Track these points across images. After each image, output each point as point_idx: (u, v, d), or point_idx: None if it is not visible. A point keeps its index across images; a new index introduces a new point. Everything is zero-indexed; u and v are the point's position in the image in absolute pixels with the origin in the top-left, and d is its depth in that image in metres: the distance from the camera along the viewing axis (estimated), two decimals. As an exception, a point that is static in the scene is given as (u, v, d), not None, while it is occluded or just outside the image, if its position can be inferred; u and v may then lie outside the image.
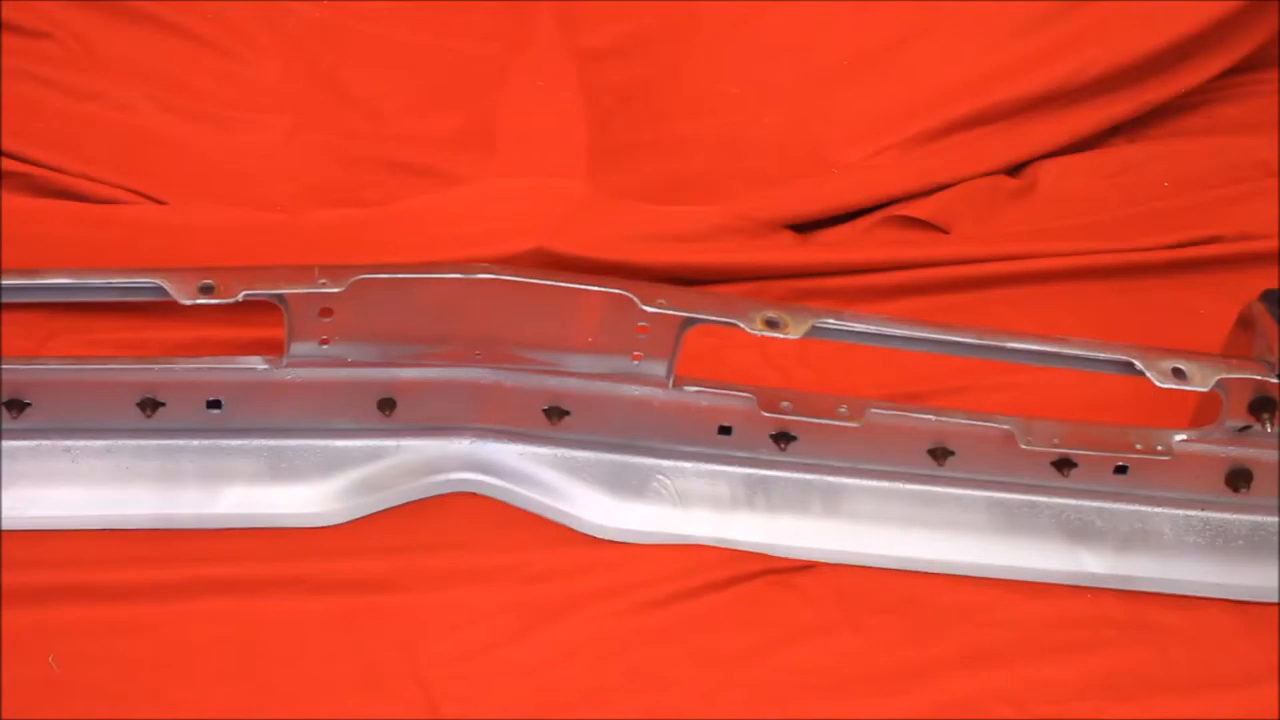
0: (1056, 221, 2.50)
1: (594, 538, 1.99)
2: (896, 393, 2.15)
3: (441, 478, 2.01)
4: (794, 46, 2.72)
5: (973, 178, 2.54)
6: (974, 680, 1.90)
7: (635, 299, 1.84)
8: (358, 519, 1.98)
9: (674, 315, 1.86)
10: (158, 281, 1.80)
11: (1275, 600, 2.03)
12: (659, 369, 1.91)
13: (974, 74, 2.62)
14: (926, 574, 2.00)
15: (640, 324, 1.87)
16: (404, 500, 1.99)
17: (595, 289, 1.86)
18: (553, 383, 1.95)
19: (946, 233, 2.47)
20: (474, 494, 2.02)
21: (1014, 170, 2.60)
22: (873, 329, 1.90)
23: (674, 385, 1.93)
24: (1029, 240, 2.43)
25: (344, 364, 1.91)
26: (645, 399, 1.95)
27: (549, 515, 2.00)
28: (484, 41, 2.70)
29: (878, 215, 2.49)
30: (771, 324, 1.85)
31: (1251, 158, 2.66)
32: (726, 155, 2.61)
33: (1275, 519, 2.05)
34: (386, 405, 1.95)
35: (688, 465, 2.01)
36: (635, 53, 2.72)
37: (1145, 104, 2.67)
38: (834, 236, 2.45)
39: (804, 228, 2.46)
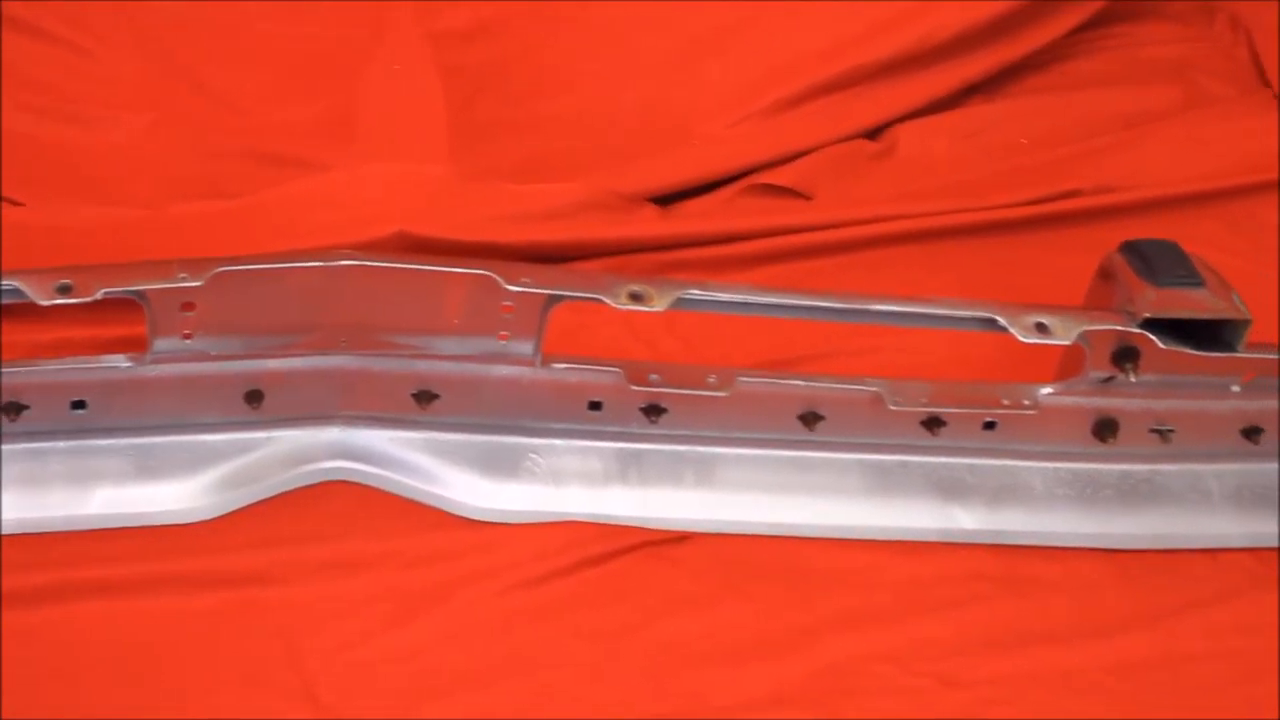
0: (917, 183, 2.52)
1: (469, 520, 1.97)
2: (765, 360, 2.16)
3: (313, 467, 1.99)
4: (651, 21, 2.72)
5: (833, 143, 2.55)
6: (856, 642, 1.91)
7: (499, 279, 1.84)
8: (231, 513, 1.95)
9: (538, 294, 1.85)
10: (15, 283, 1.77)
11: (1146, 547, 2.06)
12: (526, 348, 1.91)
13: (830, 40, 2.64)
14: (803, 539, 2.01)
15: (505, 304, 1.86)
16: (276, 492, 1.97)
17: (458, 270, 1.86)
18: (421, 366, 1.94)
19: (809, 199, 2.48)
20: (347, 482, 2.00)
21: (873, 134, 2.61)
22: (737, 298, 1.91)
23: (541, 363, 1.93)
24: (890, 203, 2.45)
25: (208, 358, 1.89)
26: (514, 378, 1.94)
27: (423, 500, 1.99)
28: (341, 28, 2.69)
29: (740, 184, 2.50)
30: (636, 297, 1.85)
31: (1107, 111, 2.69)
32: (588, 132, 2.61)
33: (1143, 467, 2.08)
34: (254, 397, 1.93)
35: (559, 443, 2.01)
36: (492, 33, 2.72)
37: (1000, 63, 2.70)
38: (697, 208, 2.46)
39: (666, 200, 2.46)
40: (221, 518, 1.95)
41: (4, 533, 1.89)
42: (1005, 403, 2.01)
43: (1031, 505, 2.06)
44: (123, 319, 2.02)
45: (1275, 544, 2.09)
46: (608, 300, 1.84)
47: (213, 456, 1.96)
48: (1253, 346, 1.97)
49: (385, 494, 2.00)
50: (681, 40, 2.70)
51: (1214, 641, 1.97)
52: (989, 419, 2.02)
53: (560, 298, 1.86)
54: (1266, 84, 2.82)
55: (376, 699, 1.79)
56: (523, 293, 1.85)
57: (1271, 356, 1.98)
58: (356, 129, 2.51)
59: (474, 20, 2.72)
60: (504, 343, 1.91)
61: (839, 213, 2.42)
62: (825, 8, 2.67)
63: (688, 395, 1.97)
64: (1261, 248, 2.51)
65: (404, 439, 2.00)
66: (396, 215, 2.25)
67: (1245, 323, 1.94)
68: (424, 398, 1.96)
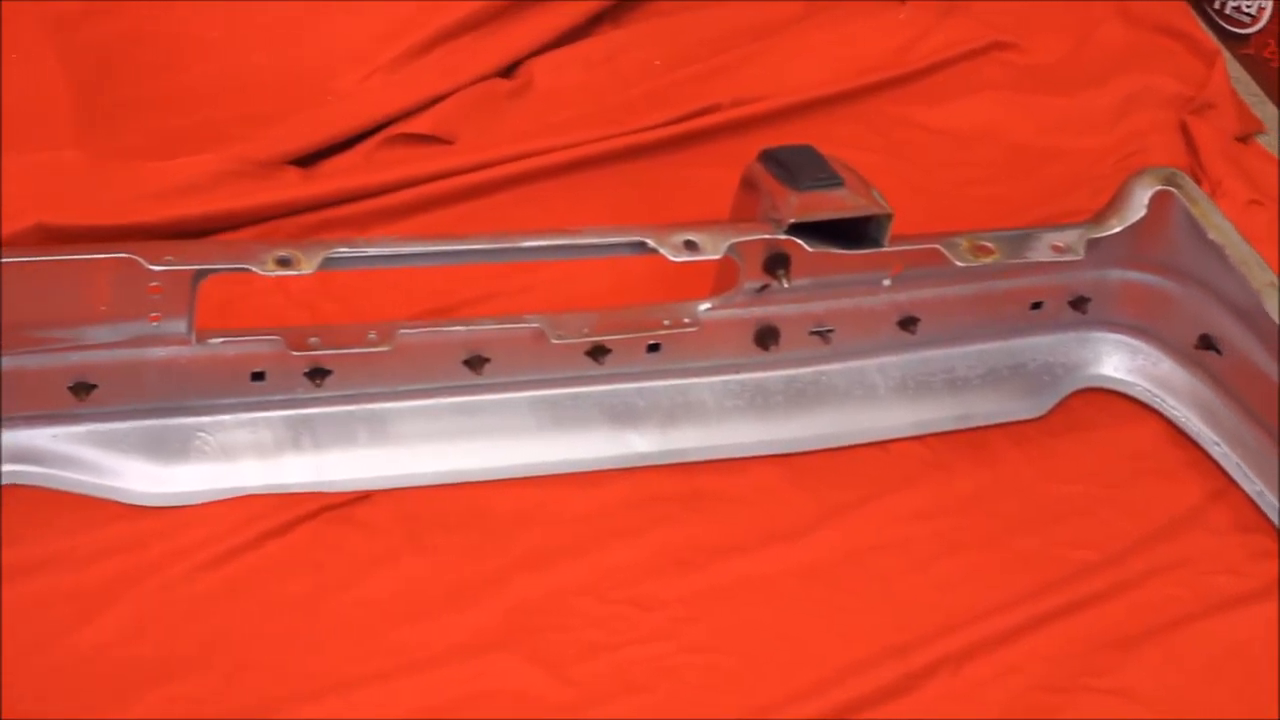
0: (556, 116, 2.52)
1: (145, 507, 1.93)
2: (426, 310, 2.15)
3: (-23, 475, 1.94)
4: (274, -18, 2.68)
5: (468, 85, 2.54)
6: (549, 579, 1.92)
7: (141, 260, 1.79)
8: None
9: (183, 270, 1.82)
10: None
11: (819, 447, 2.10)
12: (179, 326, 1.87)
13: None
14: (483, 483, 2.01)
15: (152, 284, 1.82)
16: (-56, 504, 1.92)
17: (98, 256, 1.80)
18: (75, 358, 1.89)
19: (450, 144, 2.47)
20: (16, 485, 1.94)
21: (507, 72, 2.61)
22: (387, 251, 1.90)
23: (197, 340, 1.89)
24: (532, 139, 2.45)
25: None
26: (171, 359, 1.90)
27: (95, 493, 1.94)
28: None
29: (380, 137, 2.47)
30: (284, 263, 1.83)
31: (734, 25, 2.73)
32: (222, 101, 2.55)
33: (808, 369, 2.13)
34: (-93, 412, 1.87)
35: (227, 418, 1.97)
36: (113, 11, 2.64)
37: (624, -12, 2.72)
38: (338, 165, 2.43)
39: (307, 161, 2.42)
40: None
41: None
42: (666, 323, 2.03)
43: (704, 421, 2.09)
44: None
45: (942, 429, 2.15)
46: (255, 269, 1.82)
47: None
48: (897, 239, 2.01)
49: (56, 492, 1.94)
50: (303, -3, 2.66)
51: (893, 531, 2.03)
52: (652, 341, 2.04)
53: (207, 272, 1.83)
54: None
55: (70, 699, 1.75)
56: (167, 271, 1.81)
57: (916, 247, 2.03)
58: (-25, 123, 2.43)
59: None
60: (156, 324, 1.86)
61: (481, 154, 2.41)
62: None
63: (350, 354, 1.95)
64: (895, 141, 2.57)
65: (67, 434, 1.94)
66: (31, 207, 2.18)
67: (887, 217, 1.99)
68: (81, 390, 1.90)
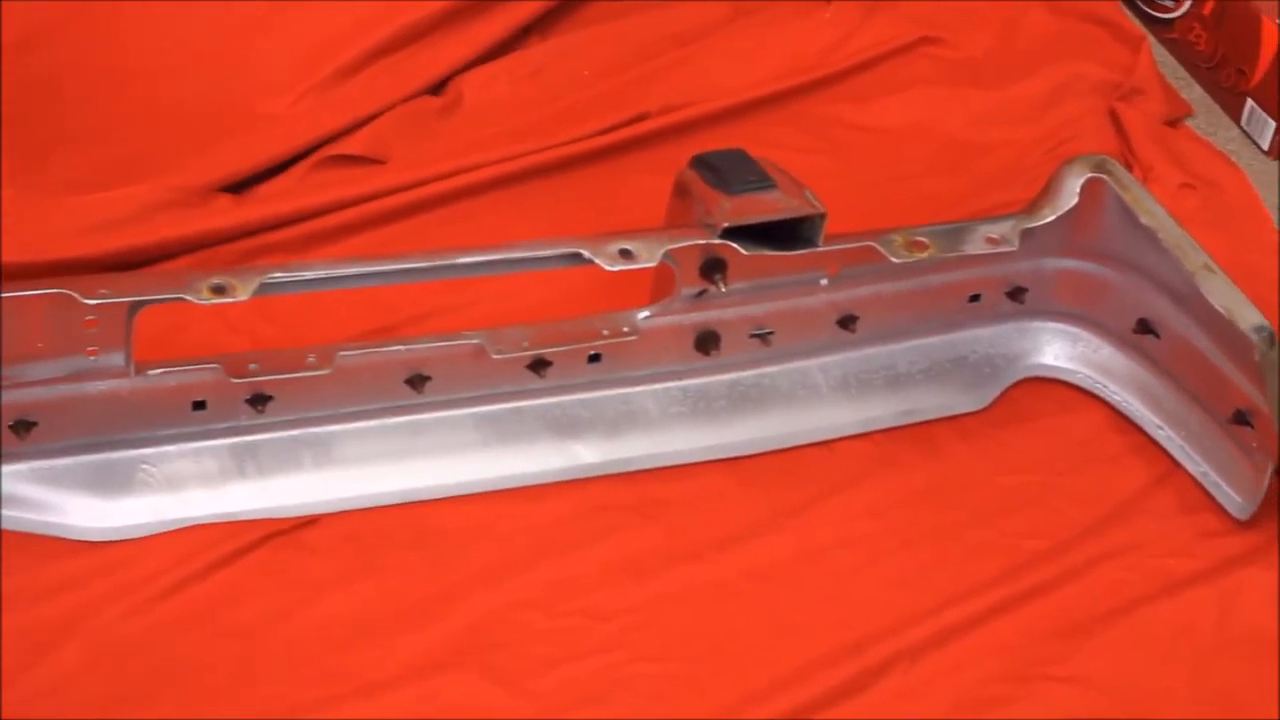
0: (487, 130, 2.50)
1: (92, 543, 1.92)
2: (366, 331, 2.15)
3: (-78, 519, 1.92)
4: (197, 9, 2.66)
5: (398, 103, 2.53)
6: (501, 594, 1.92)
7: (75, 295, 1.79)
8: None
9: (118, 303, 1.81)
10: None
11: (765, 450, 2.11)
12: (117, 359, 1.86)
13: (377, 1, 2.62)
14: (431, 502, 2.01)
15: (88, 319, 1.81)
16: (-115, 551, 1.90)
17: (31, 293, 1.79)
18: (13, 396, 1.88)
19: (383, 163, 2.46)
20: (-39, 528, 1.93)
21: (437, 89, 2.60)
22: (323, 274, 1.90)
23: (136, 372, 1.88)
24: (464, 155, 2.43)
25: None
26: (111, 392, 1.90)
27: (41, 531, 1.92)
28: None
29: (312, 160, 2.46)
30: (219, 290, 1.82)
31: (661, 32, 2.72)
32: (152, 131, 2.54)
33: (750, 372, 2.13)
34: None
35: (170, 449, 1.96)
36: (39, 45, 2.62)
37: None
38: (271, 190, 2.41)
39: (240, 187, 2.41)
40: None
41: None
42: (606, 333, 2.04)
43: (649, 429, 2.09)
44: None
45: (886, 425, 2.16)
46: (190, 298, 1.81)
47: None
48: (831, 238, 2.02)
49: (4, 533, 1.92)
50: (231, 22, 2.63)
51: (843, 529, 2.03)
52: (593, 351, 2.04)
53: (142, 303, 1.82)
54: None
55: (25, 743, 1.74)
56: (102, 304, 1.80)
57: (851, 245, 2.03)
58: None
59: (15, 34, 2.63)
60: (94, 358, 1.86)
61: (414, 172, 2.40)
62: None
63: (291, 379, 1.94)
64: (827, 141, 2.57)
65: (9, 473, 1.92)
66: (-38, 246, 2.17)
67: (821, 217, 2.00)
68: (21, 428, 1.89)
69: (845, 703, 1.85)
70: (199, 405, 1.94)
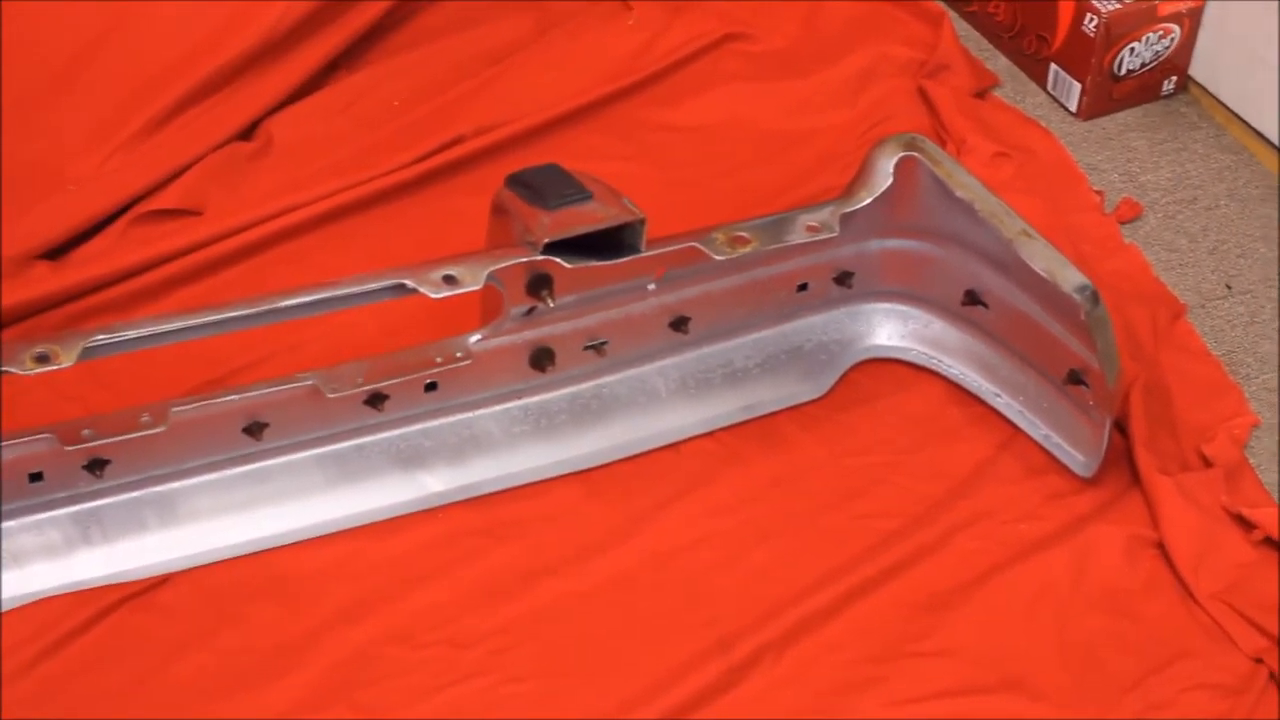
0: (302, 170, 2.48)
1: (-59, 626, 1.90)
2: (199, 383, 2.13)
3: None
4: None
5: (208, 153, 2.50)
6: (361, 632, 1.92)
7: (-104, 377, 1.76)
8: None
9: (-59, 381, 1.79)
10: None
11: (612, 459, 2.12)
12: (-54, 438, 1.84)
13: (178, 52, 2.56)
14: (282, 548, 1.99)
15: (-88, 400, 1.80)
16: None
17: None
18: None
19: (200, 214, 2.43)
20: None
21: (247, 134, 2.58)
22: (146, 332, 1.87)
23: (-33, 451, 1.86)
24: (280, 196, 2.41)
25: None
26: (-56, 472, 1.87)
27: (-111, 620, 1.90)
28: None
29: (127, 217, 2.42)
30: (42, 359, 1.80)
31: (468, 54, 2.71)
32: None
33: (588, 384, 2.14)
34: None
35: (11, 523, 1.93)
36: None
37: (353, 33, 2.68)
38: (89, 252, 2.37)
39: (57, 253, 2.38)
40: None
41: None
42: (439, 360, 2.03)
43: (494, 451, 2.09)
44: None
45: (730, 422, 2.17)
46: (14, 369, 1.79)
47: None
48: (653, 242, 2.03)
49: None
50: (30, 84, 2.59)
51: (698, 529, 2.05)
52: (428, 380, 2.03)
53: (-36, 380, 1.80)
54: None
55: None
56: (-75, 385, 1.78)
57: (673, 248, 2.04)
58: None
59: None
60: (-77, 439, 1.83)
61: (232, 220, 2.37)
62: (163, 21, 2.59)
63: (126, 440, 1.92)
64: (642, 145, 2.58)
65: None
66: None
67: (640, 222, 2.00)
68: None
69: (718, 699, 1.86)
70: (36, 477, 1.92)
